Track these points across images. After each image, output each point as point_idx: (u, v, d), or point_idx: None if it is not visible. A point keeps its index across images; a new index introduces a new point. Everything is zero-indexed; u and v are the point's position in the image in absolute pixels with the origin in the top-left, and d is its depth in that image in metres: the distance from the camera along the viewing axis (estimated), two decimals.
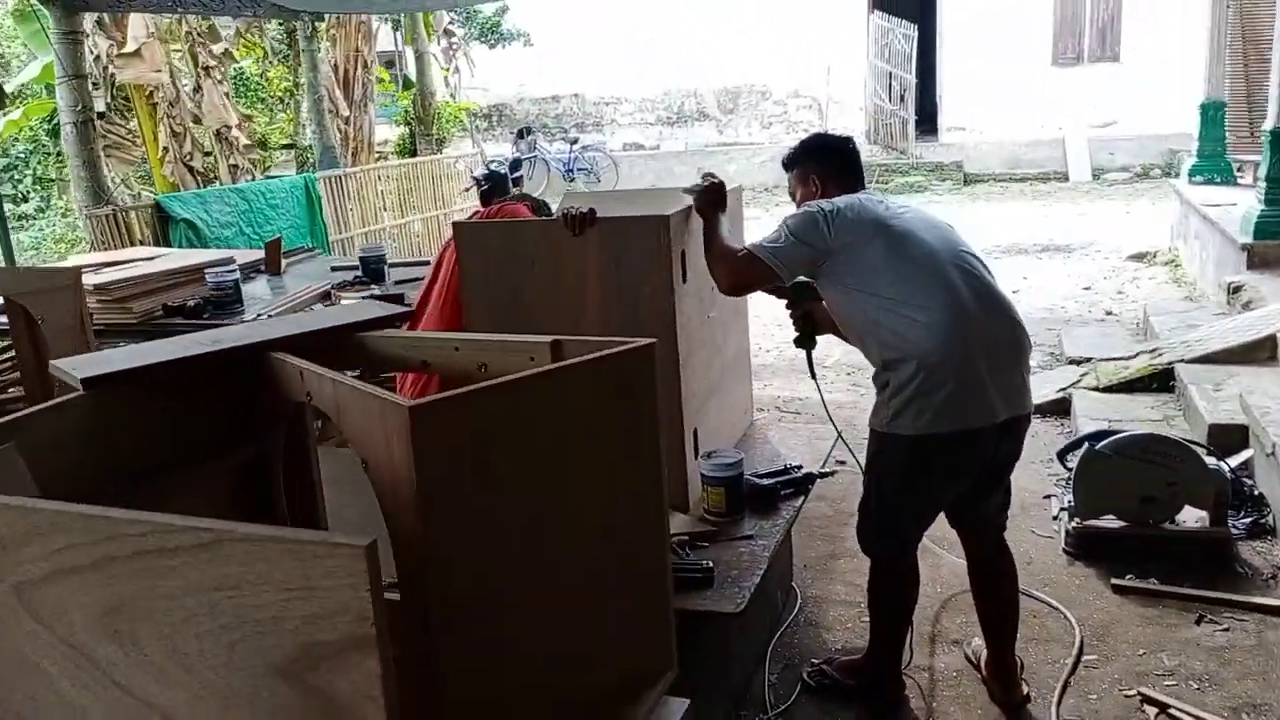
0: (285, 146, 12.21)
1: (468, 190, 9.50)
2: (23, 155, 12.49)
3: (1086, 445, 3.65)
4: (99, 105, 8.06)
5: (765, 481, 2.93)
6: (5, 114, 10.26)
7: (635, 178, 16.67)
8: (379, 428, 1.58)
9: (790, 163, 2.97)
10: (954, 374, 2.49)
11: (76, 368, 1.75)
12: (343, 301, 4.04)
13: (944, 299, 2.53)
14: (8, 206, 11.50)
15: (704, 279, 3.02)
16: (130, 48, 8.83)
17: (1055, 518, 4.01)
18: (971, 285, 2.58)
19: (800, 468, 3.09)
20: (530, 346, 1.86)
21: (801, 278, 2.73)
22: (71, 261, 5.54)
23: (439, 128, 12.04)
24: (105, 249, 6.58)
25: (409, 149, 11.91)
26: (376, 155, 10.76)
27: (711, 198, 2.89)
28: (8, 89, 10.55)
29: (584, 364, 1.69)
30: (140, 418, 1.84)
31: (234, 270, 4.17)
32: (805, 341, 3.00)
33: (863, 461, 2.72)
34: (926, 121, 16.62)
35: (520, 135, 10.11)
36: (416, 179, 10.19)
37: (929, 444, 2.53)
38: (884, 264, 2.56)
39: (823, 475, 3.08)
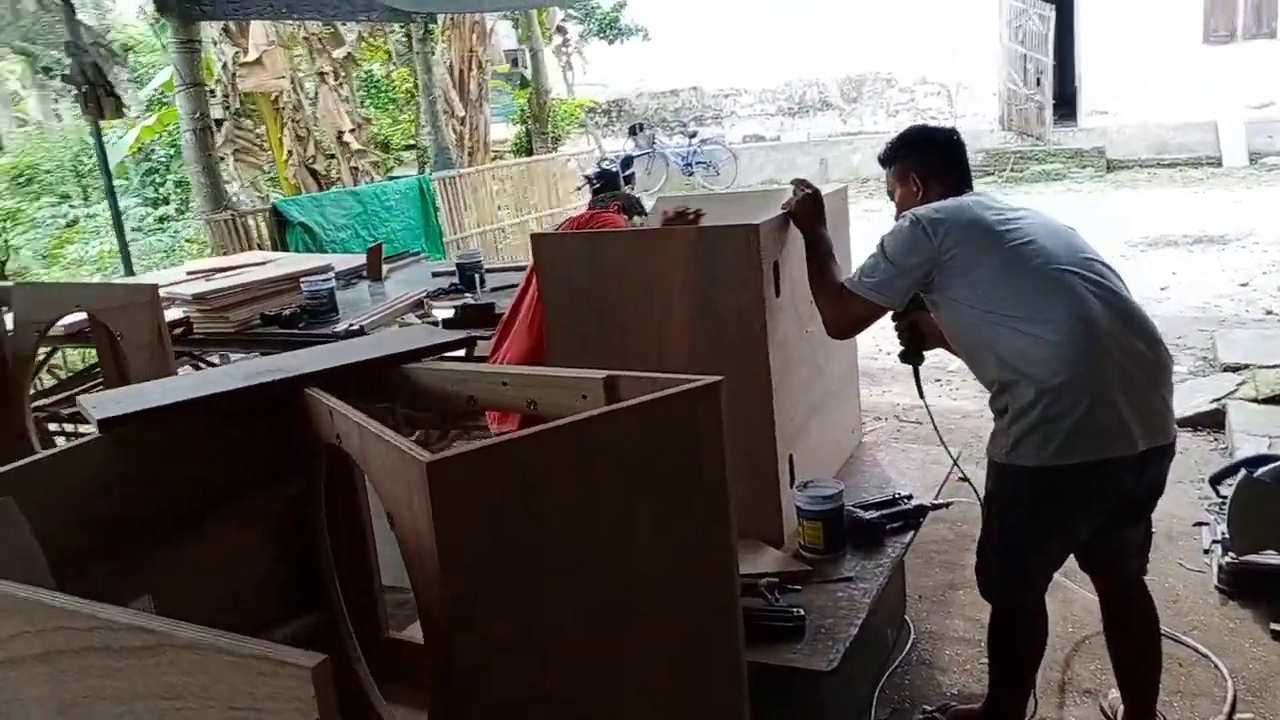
0: (408, 147, 12.38)
1: (579, 189, 9.40)
2: (164, 159, 13.02)
3: (1243, 472, 3.24)
4: (220, 111, 8.24)
5: (869, 515, 2.66)
6: (136, 121, 10.67)
7: (755, 170, 16.35)
8: (399, 481, 1.41)
9: (887, 158, 2.69)
10: (1083, 397, 2.19)
11: (98, 406, 1.63)
12: (434, 311, 3.93)
13: (1070, 312, 2.23)
14: (148, 209, 12.03)
15: (802, 290, 2.76)
16: (251, 56, 9.04)
17: (1207, 550, 3.59)
18: (1101, 296, 2.27)
19: (910, 498, 2.79)
20: (582, 383, 1.66)
21: None
22: (187, 266, 5.64)
23: (554, 125, 11.99)
24: (224, 253, 6.71)
25: (525, 147, 11.90)
26: (493, 154, 10.77)
27: (807, 211, 2.64)
28: (142, 96, 10.97)
29: (635, 409, 1.47)
30: (168, 457, 1.72)
31: (329, 279, 4.11)
32: (912, 357, 2.72)
33: (982, 492, 2.44)
34: (1064, 106, 15.74)
35: (633, 132, 9.94)
36: (531, 178, 10.15)
37: (1056, 477, 2.24)
38: (999, 275, 2.28)
39: (936, 507, 2.79)
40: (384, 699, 1.89)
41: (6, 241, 6.10)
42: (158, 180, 12.79)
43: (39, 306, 3.03)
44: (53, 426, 4.29)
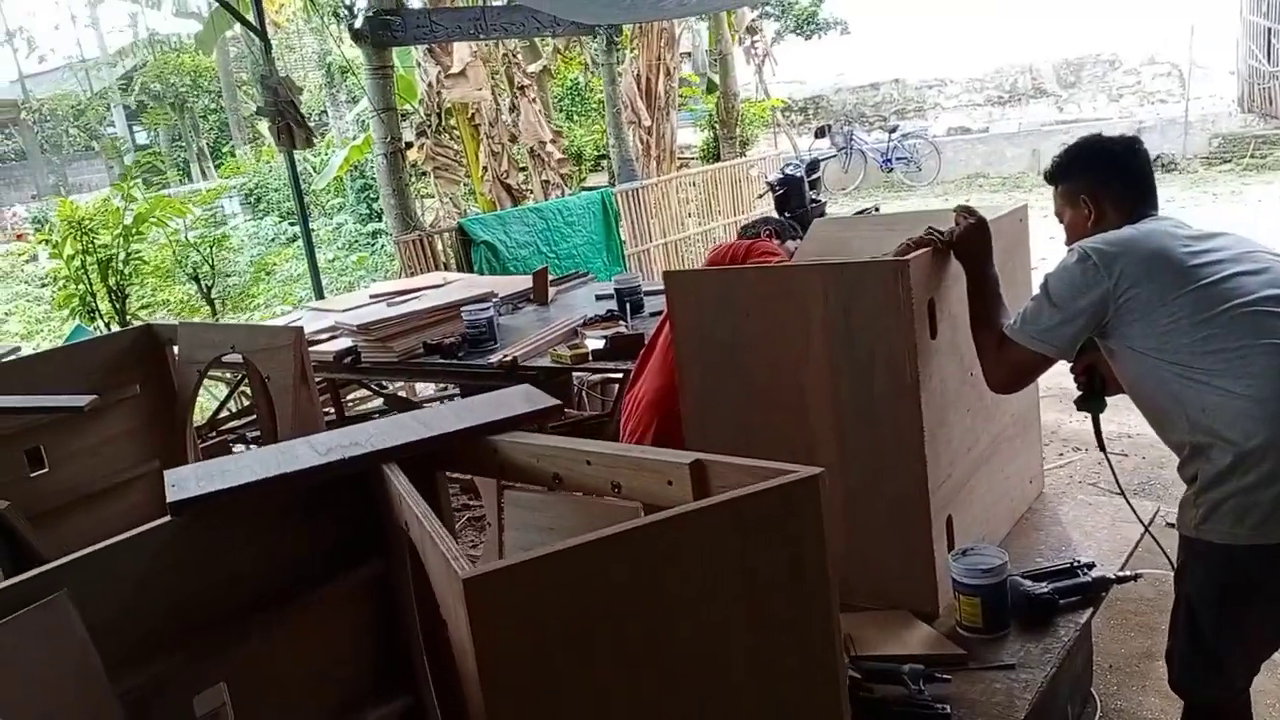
0: (600, 157, 12.49)
1: (761, 196, 9.16)
2: (374, 178, 13.72)
3: None
4: (412, 135, 8.52)
5: (1040, 588, 2.33)
6: (350, 141, 11.23)
7: (961, 164, 15.55)
8: (448, 591, 1.28)
9: (1055, 175, 2.34)
10: None
11: (176, 485, 1.59)
12: (587, 340, 3.83)
13: (1273, 363, 1.87)
14: (360, 226, 12.70)
15: (963, 330, 2.47)
16: (456, 68, 9.30)
17: None
18: None
19: (1092, 566, 2.44)
20: (667, 467, 1.48)
21: None
22: (371, 289, 5.83)
23: (743, 128, 11.77)
24: (412, 272, 6.92)
25: (713, 153, 11.75)
26: (679, 162, 10.68)
27: (970, 245, 2.33)
28: (350, 117, 11.54)
29: (712, 510, 1.29)
30: (245, 537, 1.66)
31: (488, 308, 4.10)
32: (1091, 403, 2.39)
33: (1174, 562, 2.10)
34: None
35: (820, 134, 9.55)
36: (717, 184, 9.98)
37: (1253, 558, 1.90)
38: (1187, 319, 1.94)
39: (1123, 580, 2.42)
40: None
41: (213, 266, 6.56)
42: (371, 197, 13.48)
43: (201, 347, 3.14)
44: (239, 448, 4.50)
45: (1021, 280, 2.81)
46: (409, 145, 8.79)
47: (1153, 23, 15.31)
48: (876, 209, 8.37)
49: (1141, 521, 2.40)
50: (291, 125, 5.35)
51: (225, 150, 19.90)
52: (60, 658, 1.38)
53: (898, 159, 15.57)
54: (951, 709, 1.98)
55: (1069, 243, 2.27)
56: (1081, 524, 2.73)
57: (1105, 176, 2.23)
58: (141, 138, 21.53)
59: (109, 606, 1.49)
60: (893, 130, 15.86)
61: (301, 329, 2.89)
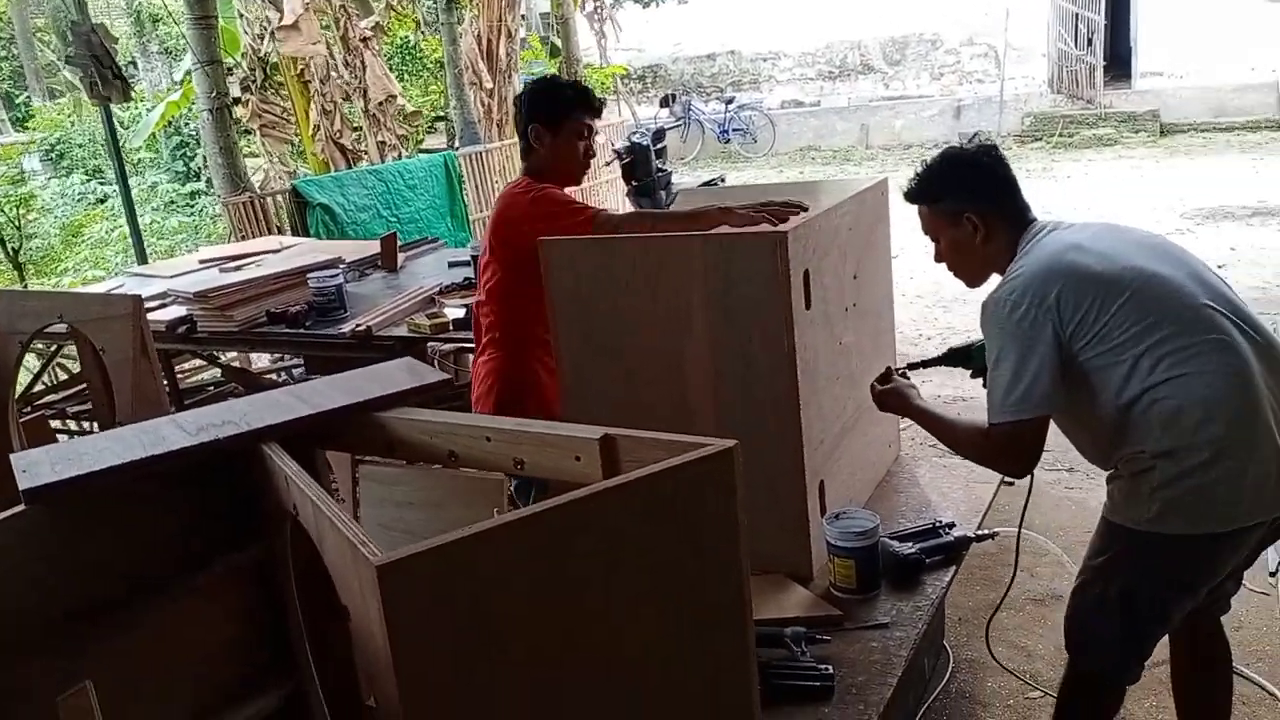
0: (437, 119, 12.14)
1: (609, 164, 9.12)
2: (194, 134, 12.89)
3: None
4: (239, 90, 8.04)
5: (907, 548, 2.42)
6: (166, 96, 10.53)
7: (794, 136, 15.96)
8: (353, 578, 1.20)
9: (921, 194, 2.24)
10: (1249, 456, 1.92)
11: (27, 471, 1.44)
12: (445, 309, 3.72)
13: (1223, 357, 1.94)
14: (178, 186, 11.93)
15: (833, 300, 2.52)
16: (288, 20, 8.80)
17: (1273, 573, 3.31)
18: (1241, 327, 2.00)
19: (953, 526, 2.55)
20: (575, 443, 1.44)
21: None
22: (199, 254, 5.48)
23: None
24: (243, 236, 6.55)
25: None
26: None
27: (891, 404, 2.45)
28: (179, 75, 10.80)
29: (625, 488, 1.25)
30: (110, 525, 1.52)
31: (336, 275, 3.92)
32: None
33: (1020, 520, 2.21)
34: (1118, 67, 15.12)
35: (665, 102, 9.58)
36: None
37: (1206, 545, 1.98)
38: (1136, 327, 1.95)
39: (981, 538, 2.54)
40: None
41: (20, 228, 5.97)
42: (188, 155, 12.68)
43: (23, 316, 2.86)
44: (57, 424, 4.15)
45: (881, 256, 2.89)
46: (236, 101, 8.28)
47: (972, 4, 16.05)
48: (722, 179, 8.46)
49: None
50: (108, 76, 4.92)
51: (19, 102, 18.28)
52: None
53: (734, 130, 15.84)
54: (833, 669, 2.03)
55: (950, 262, 2.26)
56: (938, 485, 2.85)
57: (984, 191, 2.18)
58: None
59: None
60: (729, 102, 16.11)
61: (139, 297, 2.67)
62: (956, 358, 2.41)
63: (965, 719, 2.83)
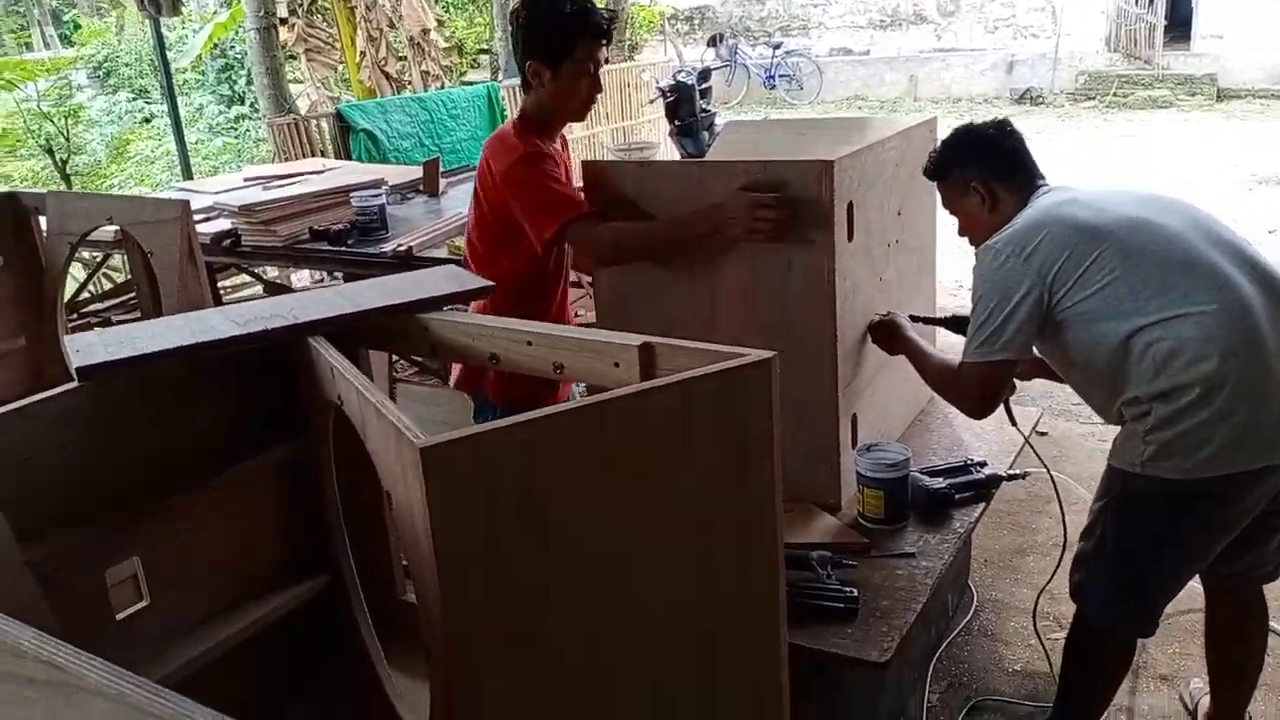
0: (481, 52, 12.06)
1: (653, 102, 9.04)
2: (239, 56, 12.88)
3: None
4: (285, 10, 8.02)
5: (937, 483, 2.43)
6: (213, 16, 10.52)
7: (841, 85, 15.72)
8: (396, 460, 1.23)
9: (937, 171, 2.38)
10: (1246, 396, 1.90)
11: (80, 351, 1.48)
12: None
13: (1220, 297, 1.93)
14: (223, 108, 11.96)
15: (876, 235, 2.51)
16: None
17: None
18: (1249, 271, 1.98)
19: (984, 465, 2.56)
20: (614, 349, 1.46)
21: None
22: (245, 172, 5.52)
23: (632, 33, 11.54)
24: (286, 157, 6.58)
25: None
26: None
27: (883, 336, 2.46)
28: None
29: (666, 389, 1.27)
30: (159, 409, 1.57)
31: (379, 195, 3.94)
32: None
33: (1054, 468, 2.20)
34: (1177, 27, 14.69)
35: (713, 42, 9.43)
36: (606, 88, 9.77)
37: (1202, 490, 1.96)
38: (1120, 270, 1.97)
39: (1012, 478, 2.54)
40: (393, 665, 1.76)
41: (68, 139, 6.02)
42: (233, 78, 12.68)
43: (73, 217, 2.91)
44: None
45: (926, 196, 2.86)
46: (283, 22, 8.27)
47: None
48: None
49: (1023, 434, 2.52)
50: None
51: (67, 20, 18.33)
52: None
53: (780, 76, 15.62)
54: (858, 592, 2.06)
55: (966, 232, 2.33)
56: (971, 426, 2.84)
57: (989, 162, 2.27)
58: None
59: (9, 476, 1.39)
60: (777, 46, 15.86)
61: (187, 202, 2.70)
62: (959, 324, 2.39)
63: (986, 655, 2.86)
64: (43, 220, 3.06)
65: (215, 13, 11.48)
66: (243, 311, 1.62)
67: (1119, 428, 2.10)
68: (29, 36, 15.81)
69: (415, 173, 4.90)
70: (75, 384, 1.44)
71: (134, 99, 12.81)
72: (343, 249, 3.81)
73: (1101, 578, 2.15)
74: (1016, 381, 2.44)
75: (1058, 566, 2.48)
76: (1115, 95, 13.48)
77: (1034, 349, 2.18)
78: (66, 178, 6.42)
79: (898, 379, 2.79)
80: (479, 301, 2.38)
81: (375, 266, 3.75)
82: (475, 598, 1.19)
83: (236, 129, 11.19)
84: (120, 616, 1.54)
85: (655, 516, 1.30)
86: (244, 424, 1.66)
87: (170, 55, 13.17)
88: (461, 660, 1.20)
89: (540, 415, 1.19)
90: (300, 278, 5.54)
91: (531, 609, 1.23)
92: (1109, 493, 2.12)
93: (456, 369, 2.68)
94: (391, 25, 9.79)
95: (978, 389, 2.17)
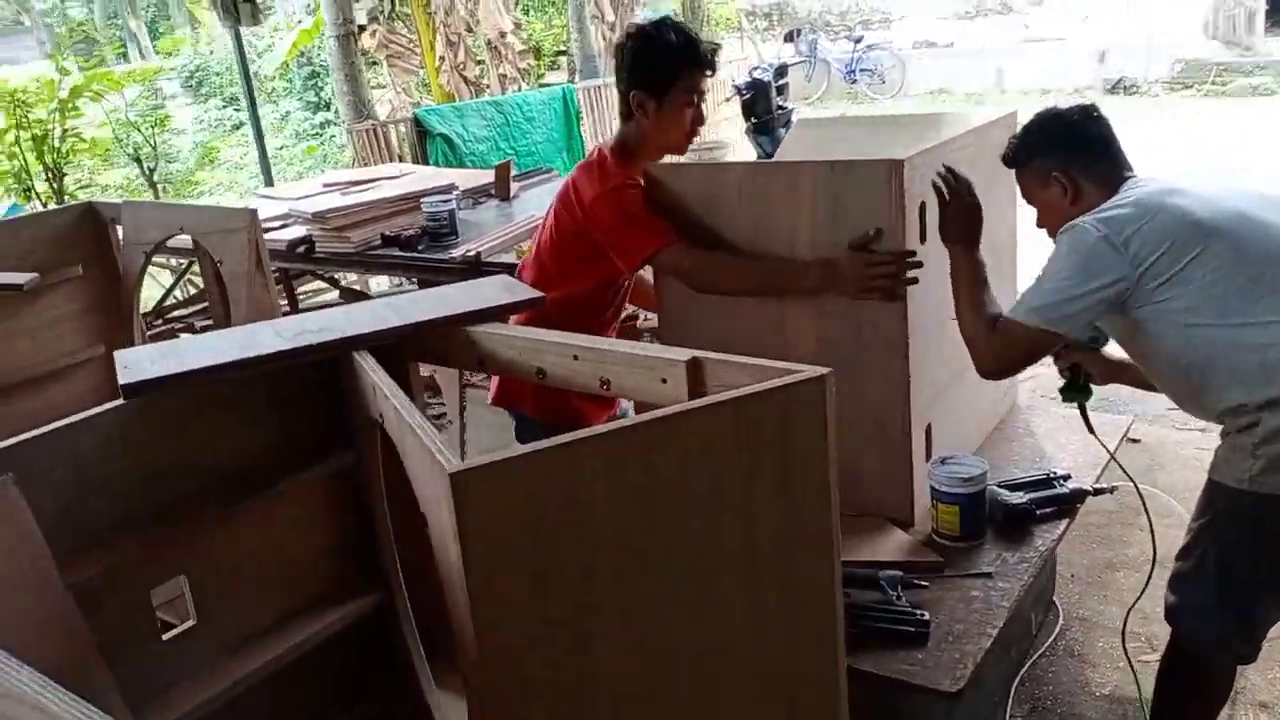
0: (559, 53, 12.10)
1: (728, 100, 8.95)
2: (324, 64, 13.15)
3: None
4: (364, 18, 8.14)
5: (1017, 498, 2.31)
6: (282, 31, 10.74)
7: (924, 79, 15.36)
8: (429, 486, 1.19)
9: (1016, 158, 2.19)
10: None
11: (129, 367, 1.47)
12: None
13: None
14: (308, 114, 12.22)
15: None
16: None
17: None
18: None
19: (1068, 478, 2.42)
20: (662, 364, 1.39)
21: None
22: (323, 178, 5.60)
23: (708, 30, 11.44)
24: (365, 163, 6.67)
25: None
26: None
27: (960, 229, 2.18)
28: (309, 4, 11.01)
29: (715, 407, 1.20)
30: (206, 424, 1.55)
31: (449, 200, 3.93)
32: (1076, 393, 2.33)
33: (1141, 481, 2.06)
34: (1279, 12, 14.01)
35: (790, 38, 9.27)
36: None
37: None
38: (1227, 268, 1.84)
39: (1099, 492, 2.41)
40: (443, 687, 1.72)
41: (155, 147, 6.20)
42: (318, 84, 12.95)
43: (147, 227, 2.96)
44: (187, 337, 4.31)
45: (1006, 194, 2.73)
46: (361, 29, 8.40)
47: None
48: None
49: (1108, 450, 2.39)
50: (236, 1, 5.03)
51: (162, 31, 18.95)
52: (7, 545, 1.27)
53: (861, 70, 15.33)
54: (930, 615, 1.96)
55: (1045, 224, 2.16)
56: (1055, 436, 2.71)
57: (1073, 150, 2.09)
58: (76, 11, 20.39)
59: (59, 493, 1.39)
60: (858, 40, 15.56)
61: (255, 211, 2.72)
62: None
63: (1073, 678, 2.71)
64: (120, 230, 3.12)
65: (300, 20, 11.73)
66: (291, 325, 1.60)
67: (1219, 438, 1.97)
68: (121, 48, 16.41)
69: (488, 176, 4.90)
70: (123, 400, 1.43)
71: (224, 106, 13.19)
72: (413, 255, 3.81)
73: (1202, 600, 2.02)
74: (1095, 387, 2.31)
75: (1147, 584, 2.34)
76: (1213, 84, 12.90)
77: (1118, 345, 2.06)
78: (154, 186, 6.61)
79: (975, 389, 2.66)
80: (524, 314, 2.35)
81: (444, 272, 3.75)
82: (510, 629, 1.14)
83: (321, 134, 11.41)
84: (167, 636, 1.53)
85: (703, 541, 1.24)
86: (295, 438, 1.64)
87: (256, 62, 13.57)
88: (496, 691, 1.15)
89: (580, 437, 1.14)
90: (379, 283, 5.60)
91: (572, 639, 1.17)
92: (1210, 509, 1.99)
93: (493, 384, 2.62)
94: (469, 29, 9.88)
95: (1011, 351, 2.02)
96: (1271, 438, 1.82)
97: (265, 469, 1.59)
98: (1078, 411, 2.35)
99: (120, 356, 1.53)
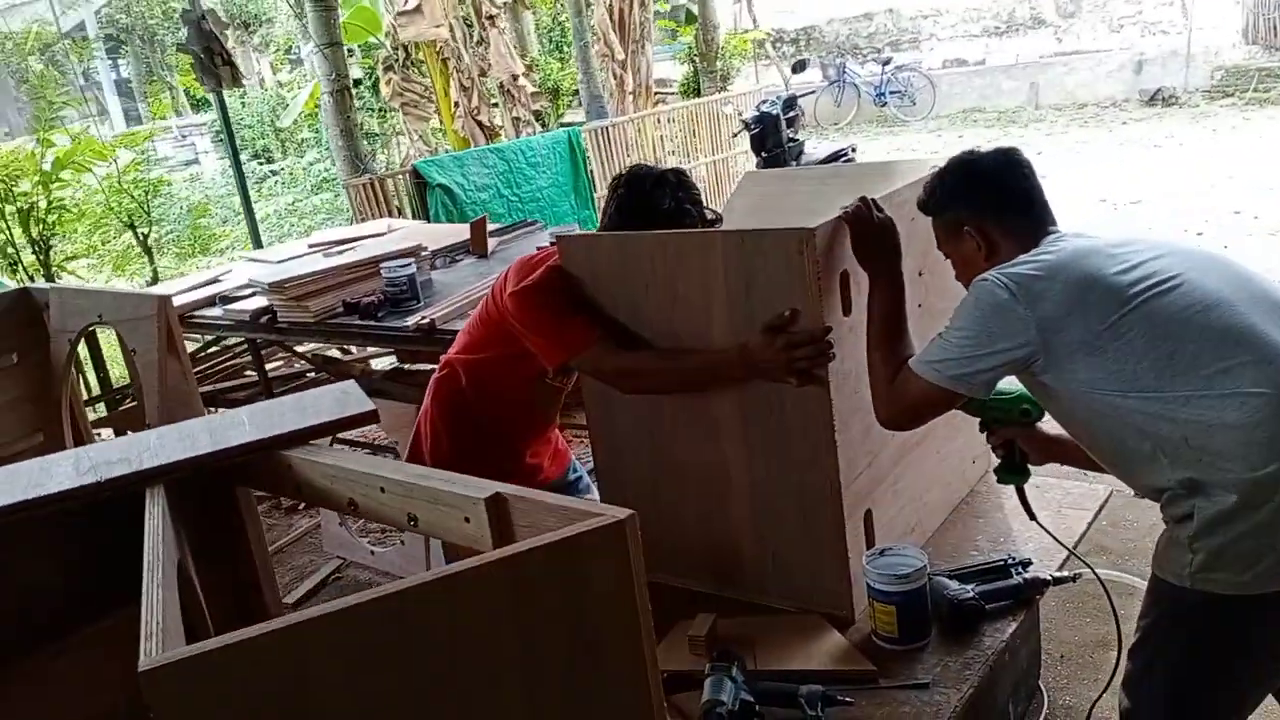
0: (576, 93, 12.06)
1: (736, 135, 8.78)
2: None
3: None
4: (366, 70, 8.11)
5: (965, 591, 2.09)
6: (306, 82, 10.82)
7: (956, 98, 15.08)
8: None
9: (928, 206, 1.99)
10: None
11: None
12: None
13: (1264, 373, 1.58)
14: (329, 165, 12.30)
15: None
16: (410, 4, 8.87)
17: None
18: None
19: (1028, 564, 2.20)
20: (463, 502, 1.22)
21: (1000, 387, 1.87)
22: (313, 237, 5.53)
23: (724, 62, 11.32)
24: (363, 218, 6.60)
25: (694, 88, 11.30)
26: (656, 98, 10.26)
27: (869, 247, 2.00)
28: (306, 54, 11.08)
29: (486, 570, 1.03)
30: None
31: (408, 265, 3.80)
32: (1012, 475, 2.11)
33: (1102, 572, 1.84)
34: None
35: (796, 68, 9.03)
36: (698, 121, 9.58)
37: (1259, 609, 1.62)
38: (1142, 341, 1.64)
39: (1059, 581, 2.18)
40: None
41: (148, 212, 6.19)
42: (322, 140, 13.07)
43: (71, 314, 2.87)
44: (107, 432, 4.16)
45: None
46: (358, 84, 8.39)
47: None
48: (853, 150, 8.00)
49: (1065, 546, 2.17)
50: (217, 63, 4.99)
51: (194, 93, 19.36)
52: None
53: (891, 92, 15.11)
54: None
55: (961, 278, 1.95)
56: (1022, 514, 2.47)
57: (984, 201, 1.90)
58: (124, 71, 20.93)
59: None
60: (886, 62, 15.36)
61: (166, 296, 2.61)
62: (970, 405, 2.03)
63: None
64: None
65: (310, 79, 11.85)
66: (95, 454, 1.46)
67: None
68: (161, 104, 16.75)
69: (466, 232, 4.77)
70: None
71: (253, 159, 13.35)
72: (371, 323, 3.69)
73: (1152, 706, 1.79)
74: (1034, 467, 2.10)
75: (1114, 672, 2.11)
76: (1255, 91, 12.44)
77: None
78: (149, 251, 6.61)
79: (934, 462, 2.45)
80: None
81: (402, 340, 3.62)
82: None
83: (325, 190, 11.47)
84: None
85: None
86: (101, 578, 1.49)
87: (278, 114, 13.72)
88: None
89: (287, 624, 0.97)
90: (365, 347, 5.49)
91: None
92: (1155, 608, 1.77)
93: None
94: (482, 74, 9.85)
95: (909, 403, 1.86)
96: (1208, 529, 1.61)
97: (63, 615, 1.44)
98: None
99: None
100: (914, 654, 2.00)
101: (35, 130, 6.96)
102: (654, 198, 2.28)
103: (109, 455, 1.45)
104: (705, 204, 2.36)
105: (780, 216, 2.40)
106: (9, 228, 5.44)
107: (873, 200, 2.05)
